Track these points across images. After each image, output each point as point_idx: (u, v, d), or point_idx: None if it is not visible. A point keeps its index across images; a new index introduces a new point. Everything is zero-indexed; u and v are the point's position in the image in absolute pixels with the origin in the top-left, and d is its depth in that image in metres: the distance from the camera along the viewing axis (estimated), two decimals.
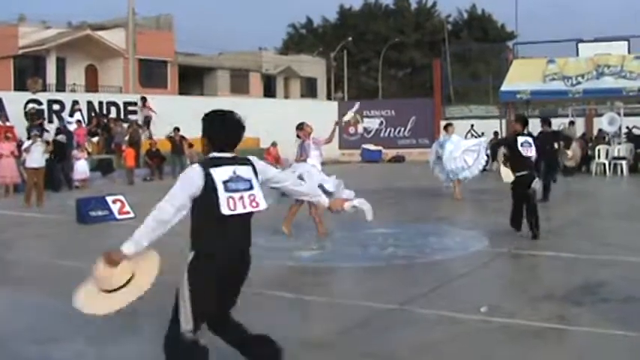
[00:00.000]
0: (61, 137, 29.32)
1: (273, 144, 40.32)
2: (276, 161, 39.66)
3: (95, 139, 31.96)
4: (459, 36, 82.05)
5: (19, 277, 11.57)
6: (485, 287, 10.07)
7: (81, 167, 29.25)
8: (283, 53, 75.43)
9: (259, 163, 6.05)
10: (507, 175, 14.82)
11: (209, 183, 5.60)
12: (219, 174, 5.65)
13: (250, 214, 5.86)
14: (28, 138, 24.37)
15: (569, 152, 21.98)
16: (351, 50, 76.83)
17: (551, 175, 21.22)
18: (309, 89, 68.46)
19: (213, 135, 5.83)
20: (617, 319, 8.13)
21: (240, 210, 5.72)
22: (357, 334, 7.91)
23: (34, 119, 30.93)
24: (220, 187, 5.63)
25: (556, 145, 21.31)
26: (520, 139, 14.50)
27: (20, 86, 41.32)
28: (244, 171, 5.80)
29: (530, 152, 14.49)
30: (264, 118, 41.02)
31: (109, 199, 18.75)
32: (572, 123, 33.04)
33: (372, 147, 46.76)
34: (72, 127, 31.52)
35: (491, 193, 22.63)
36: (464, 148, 21.82)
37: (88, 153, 30.55)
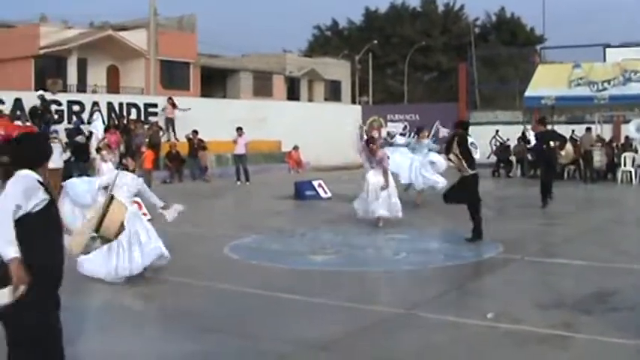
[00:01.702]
0: (80, 138, 29.62)
1: (295, 147, 40.46)
2: (298, 165, 39.87)
3: None
4: (487, 39, 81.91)
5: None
6: (494, 293, 10.22)
7: (107, 169, 29.09)
8: (307, 55, 75.54)
9: None
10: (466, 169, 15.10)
11: None
12: None
13: None
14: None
15: (562, 152, 22.12)
16: (376, 53, 76.88)
17: (551, 174, 21.38)
18: (334, 92, 68.50)
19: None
20: (625, 328, 8.26)
21: None
22: (362, 338, 8.11)
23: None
24: None
25: (552, 144, 21.32)
26: (469, 139, 15.40)
27: (41, 87, 41.56)
28: None
29: (477, 155, 15.58)
30: (287, 121, 41.25)
31: None
32: (588, 129, 32.91)
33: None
34: (96, 129, 31.69)
35: (511, 199, 22.76)
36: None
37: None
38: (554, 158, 21.76)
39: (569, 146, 23.11)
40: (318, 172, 34.89)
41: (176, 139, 35.91)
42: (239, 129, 31.88)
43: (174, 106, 37.44)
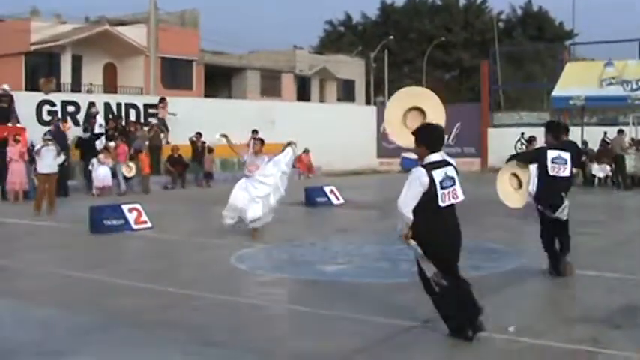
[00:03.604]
0: (85, 135, 30.19)
1: (305, 151, 40.46)
2: (308, 170, 39.94)
3: (112, 144, 32.22)
4: (511, 35, 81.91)
5: (26, 289, 11.96)
6: (517, 306, 10.30)
7: (103, 174, 29.29)
8: (319, 53, 75.61)
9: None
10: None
11: (432, 182, 8.25)
12: (437, 175, 8.28)
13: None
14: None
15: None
16: (392, 50, 76.94)
17: None
18: (347, 92, 68.56)
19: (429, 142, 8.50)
20: None
21: (450, 202, 8.43)
22: (375, 351, 8.24)
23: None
24: (438, 186, 8.29)
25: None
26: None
27: (32, 86, 41.70)
28: (451, 172, 8.46)
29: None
30: (297, 123, 41.22)
31: (125, 207, 19.02)
32: (620, 131, 32.71)
33: (412, 156, 46.49)
34: (100, 130, 32.28)
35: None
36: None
37: (125, 178, 30.66)
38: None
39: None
40: (329, 178, 34.96)
41: (167, 142, 35.76)
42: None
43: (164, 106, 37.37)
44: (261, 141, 17.59)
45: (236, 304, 10.55)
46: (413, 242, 8.39)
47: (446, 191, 8.30)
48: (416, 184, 8.21)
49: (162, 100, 37.65)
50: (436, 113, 9.65)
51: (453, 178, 8.39)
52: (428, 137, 8.50)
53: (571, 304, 10.53)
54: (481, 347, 8.26)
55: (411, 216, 8.21)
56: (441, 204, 8.27)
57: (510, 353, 8.08)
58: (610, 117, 42.44)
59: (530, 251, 14.62)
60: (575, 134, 35.81)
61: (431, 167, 8.28)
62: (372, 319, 9.42)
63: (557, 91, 35.49)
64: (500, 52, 54.81)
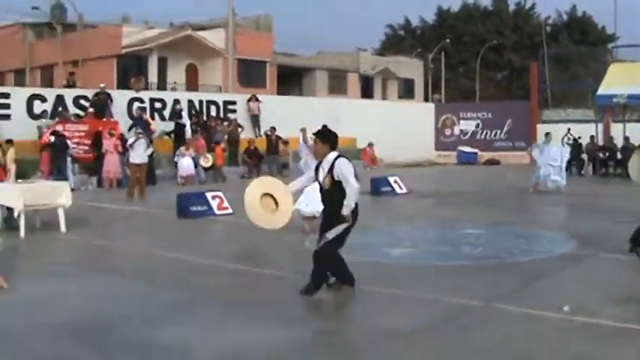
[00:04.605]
0: (182, 121, 31.03)
1: (370, 144, 40.66)
2: (372, 162, 39.98)
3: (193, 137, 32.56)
4: (557, 39, 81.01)
5: (124, 267, 12.18)
6: (570, 288, 10.23)
7: (186, 164, 29.69)
8: (381, 54, 75.52)
9: None
10: None
11: None
12: None
13: None
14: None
15: None
16: (448, 52, 76.53)
17: None
18: (407, 90, 68.45)
19: (334, 142, 9.74)
20: None
21: None
22: (439, 328, 8.26)
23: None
24: None
25: None
26: None
27: (124, 85, 42.41)
28: None
29: None
30: (361, 119, 41.43)
31: (209, 194, 19.26)
32: None
33: (467, 149, 46.62)
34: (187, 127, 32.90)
35: (585, 197, 22.64)
36: None
37: (206, 168, 31.01)
38: None
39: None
40: (392, 169, 34.89)
41: (260, 135, 36.40)
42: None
43: (257, 101, 38.13)
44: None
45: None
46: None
47: None
48: (352, 168, 9.52)
49: (255, 97, 38.41)
50: (286, 199, 10.41)
51: None
52: (332, 138, 9.76)
53: (621, 287, 10.39)
54: (539, 325, 8.23)
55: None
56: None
57: (566, 331, 8.03)
58: None
59: (578, 237, 14.54)
60: (617, 130, 35.67)
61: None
62: (436, 298, 9.43)
63: (602, 90, 35.16)
64: (548, 54, 54.04)
